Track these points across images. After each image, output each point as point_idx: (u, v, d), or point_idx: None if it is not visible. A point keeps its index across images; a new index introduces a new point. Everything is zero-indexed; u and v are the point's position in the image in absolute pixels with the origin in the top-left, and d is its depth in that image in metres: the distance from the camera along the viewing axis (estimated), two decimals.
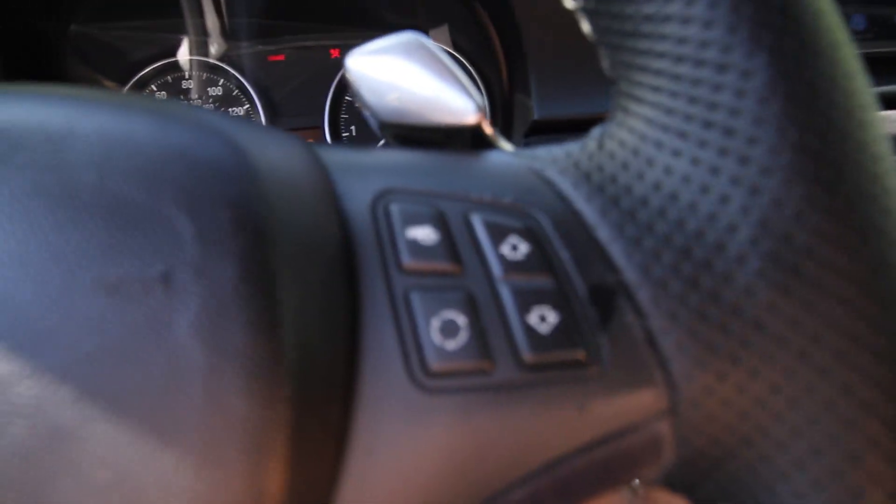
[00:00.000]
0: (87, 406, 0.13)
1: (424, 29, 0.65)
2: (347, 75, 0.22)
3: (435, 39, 0.65)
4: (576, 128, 0.53)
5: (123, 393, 0.13)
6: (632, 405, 0.15)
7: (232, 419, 0.13)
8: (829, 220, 0.14)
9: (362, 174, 0.18)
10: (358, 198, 0.17)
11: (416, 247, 0.16)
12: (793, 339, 0.15)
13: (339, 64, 0.66)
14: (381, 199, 0.17)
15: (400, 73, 0.21)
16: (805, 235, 0.15)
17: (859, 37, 0.58)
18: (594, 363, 0.15)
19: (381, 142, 0.64)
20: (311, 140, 0.66)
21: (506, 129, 0.59)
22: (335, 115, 0.65)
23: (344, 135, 0.65)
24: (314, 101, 0.66)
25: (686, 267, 0.15)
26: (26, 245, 0.13)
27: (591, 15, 0.18)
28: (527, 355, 0.15)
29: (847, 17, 0.58)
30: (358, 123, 0.65)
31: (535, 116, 0.50)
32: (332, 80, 0.65)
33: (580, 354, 0.15)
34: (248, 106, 0.65)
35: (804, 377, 0.15)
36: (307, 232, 0.15)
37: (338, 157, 0.18)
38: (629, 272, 0.16)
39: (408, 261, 0.16)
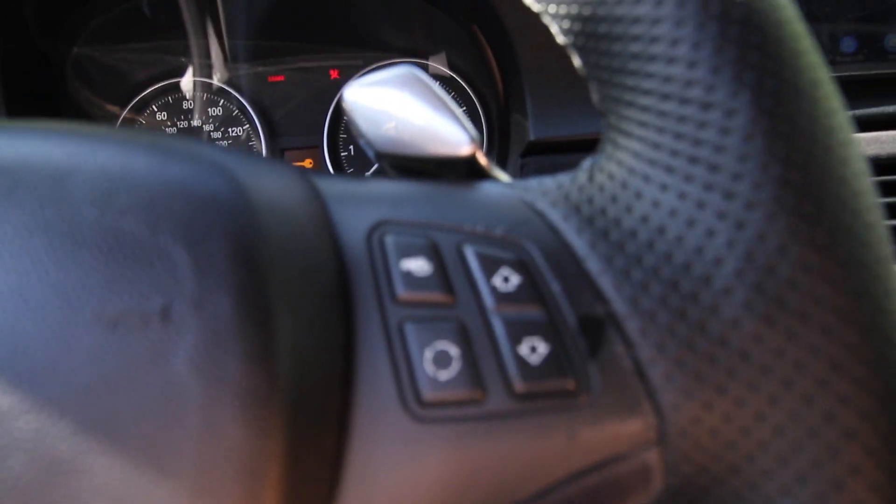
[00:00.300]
0: (85, 438, 0.13)
1: (422, 50, 0.66)
2: (344, 106, 0.22)
3: (435, 65, 0.66)
4: (571, 148, 0.54)
5: (121, 424, 0.13)
6: (621, 434, 0.16)
7: (227, 449, 0.13)
8: (812, 253, 0.15)
9: (358, 205, 0.18)
10: (353, 228, 0.17)
11: (409, 278, 0.16)
12: (777, 368, 0.15)
13: (338, 84, 0.66)
14: (376, 230, 0.17)
15: (396, 105, 0.22)
16: (788, 267, 0.15)
17: (849, 59, 0.59)
18: (584, 392, 0.16)
19: (374, 167, 0.65)
20: (309, 160, 0.67)
21: (502, 150, 0.59)
22: (334, 134, 0.66)
23: (343, 154, 0.66)
24: (313, 121, 0.66)
25: (673, 299, 0.16)
26: (27, 279, 0.14)
27: (581, 51, 0.18)
28: (518, 385, 0.16)
29: (837, 40, 0.59)
30: (356, 143, 0.66)
31: (532, 137, 0.51)
32: (332, 101, 0.66)
33: (570, 384, 0.16)
34: (247, 126, 0.66)
35: (788, 405, 0.15)
36: (303, 263, 0.16)
37: (334, 188, 0.19)
38: (618, 303, 0.16)
39: (402, 292, 0.16)
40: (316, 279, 0.16)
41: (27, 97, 0.56)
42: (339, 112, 0.66)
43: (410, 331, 0.16)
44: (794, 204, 0.15)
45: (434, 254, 0.17)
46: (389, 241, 0.17)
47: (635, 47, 0.16)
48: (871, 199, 0.16)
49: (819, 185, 0.15)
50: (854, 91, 0.54)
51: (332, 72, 0.68)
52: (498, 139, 0.62)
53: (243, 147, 0.66)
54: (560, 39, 0.20)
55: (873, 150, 0.47)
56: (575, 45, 0.19)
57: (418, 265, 0.17)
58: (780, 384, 0.15)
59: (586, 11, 0.17)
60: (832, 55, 0.59)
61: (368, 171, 0.66)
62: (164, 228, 0.14)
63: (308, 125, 0.67)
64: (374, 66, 0.66)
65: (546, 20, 0.20)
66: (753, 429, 0.15)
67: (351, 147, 0.66)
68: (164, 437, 0.13)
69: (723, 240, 0.15)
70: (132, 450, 0.13)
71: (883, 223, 0.16)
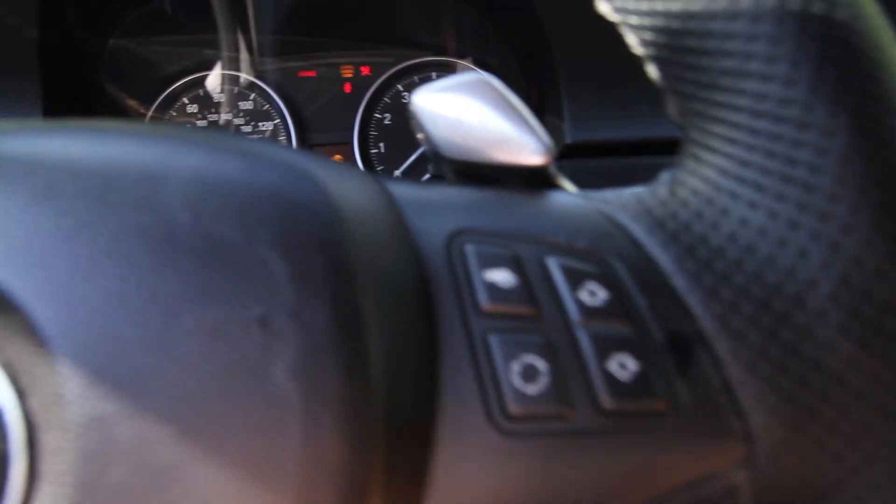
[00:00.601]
0: (187, 446, 0.13)
1: (454, 48, 0.66)
2: (413, 110, 0.22)
3: (464, 63, 0.66)
4: (607, 151, 0.53)
5: (223, 433, 0.13)
6: (709, 455, 0.16)
7: (329, 462, 0.13)
8: None
9: (435, 212, 0.18)
10: (433, 237, 0.17)
11: (493, 289, 0.16)
12: (872, 393, 0.15)
13: (368, 81, 0.66)
14: (455, 239, 0.17)
15: (468, 111, 0.21)
16: (886, 292, 0.15)
17: None
18: (673, 412, 0.16)
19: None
20: (338, 156, 0.67)
21: None
22: (364, 131, 0.66)
23: (372, 151, 0.66)
24: (343, 117, 0.66)
25: (765, 319, 0.15)
26: (125, 284, 0.14)
27: (663, 63, 0.18)
28: (607, 402, 0.15)
29: None
30: (386, 140, 0.66)
31: (568, 140, 0.50)
32: (363, 97, 0.65)
33: (660, 403, 0.16)
34: (277, 121, 0.66)
35: (883, 432, 0.15)
36: (389, 273, 0.16)
37: (409, 194, 0.19)
38: (707, 322, 0.16)
39: (486, 303, 0.16)
40: (402, 289, 0.16)
41: (62, 88, 0.57)
42: (371, 109, 0.66)
43: (496, 343, 0.16)
44: (892, 228, 0.15)
45: (517, 265, 0.17)
46: (470, 250, 0.17)
47: (728, 63, 0.16)
48: None
49: None
50: None
51: (363, 68, 0.68)
52: None
53: (272, 141, 0.66)
54: (638, 50, 0.19)
55: None
56: (656, 58, 0.18)
57: (502, 276, 0.17)
58: (874, 410, 0.15)
59: (675, 25, 0.17)
60: None
61: (399, 169, 0.66)
62: (259, 236, 0.14)
63: (338, 121, 0.67)
64: (406, 63, 0.66)
65: (623, 31, 0.20)
66: (846, 455, 0.15)
67: (381, 145, 0.66)
68: (266, 448, 0.13)
69: (817, 261, 0.15)
70: (234, 459, 0.13)
71: None
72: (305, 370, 0.13)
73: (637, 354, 0.16)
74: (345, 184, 0.17)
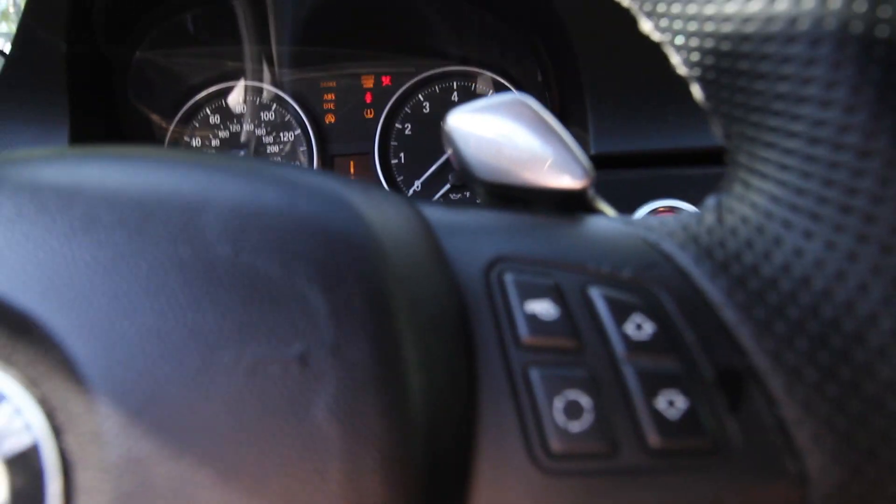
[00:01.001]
0: (225, 488, 0.13)
1: (476, 59, 0.66)
2: (446, 130, 0.22)
3: (487, 73, 0.65)
4: (632, 163, 0.52)
5: (263, 474, 0.13)
6: (763, 497, 0.15)
7: (370, 503, 0.13)
8: None
9: (472, 238, 0.18)
10: (470, 265, 0.17)
11: (534, 321, 0.16)
12: None
13: (389, 91, 0.66)
14: (494, 267, 0.17)
15: (505, 133, 0.21)
16: None
17: None
18: (724, 451, 0.15)
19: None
20: (356, 166, 0.67)
21: None
22: (385, 142, 0.66)
23: (393, 162, 0.66)
24: (364, 127, 0.66)
25: (822, 356, 0.15)
26: (164, 320, 0.13)
27: (710, 85, 0.18)
28: (654, 440, 0.15)
29: None
30: (406, 151, 0.66)
31: (593, 151, 0.50)
32: (384, 107, 0.65)
33: (710, 442, 0.15)
34: (299, 131, 0.66)
35: None
36: (429, 305, 0.15)
37: (446, 220, 0.18)
38: (759, 357, 0.15)
39: (526, 336, 0.16)
40: (441, 322, 0.15)
41: (89, 101, 0.57)
42: (391, 120, 0.66)
43: (537, 378, 0.15)
44: None
45: (559, 296, 0.16)
46: (510, 279, 0.17)
47: (783, 87, 0.15)
48: None
49: None
50: None
51: (384, 78, 0.68)
52: None
53: (293, 152, 0.67)
54: (682, 71, 0.19)
55: None
56: (702, 79, 0.18)
57: (543, 308, 0.16)
58: None
59: (726, 47, 0.16)
60: None
61: (419, 179, 0.65)
62: (298, 269, 0.14)
63: (359, 131, 0.67)
64: (426, 73, 0.66)
65: (667, 50, 0.19)
66: None
67: (402, 154, 0.66)
68: (306, 491, 0.13)
69: (878, 296, 0.14)
70: (275, 500, 0.12)
71: None
72: (345, 410, 0.13)
73: (686, 391, 0.15)
74: (383, 211, 0.16)
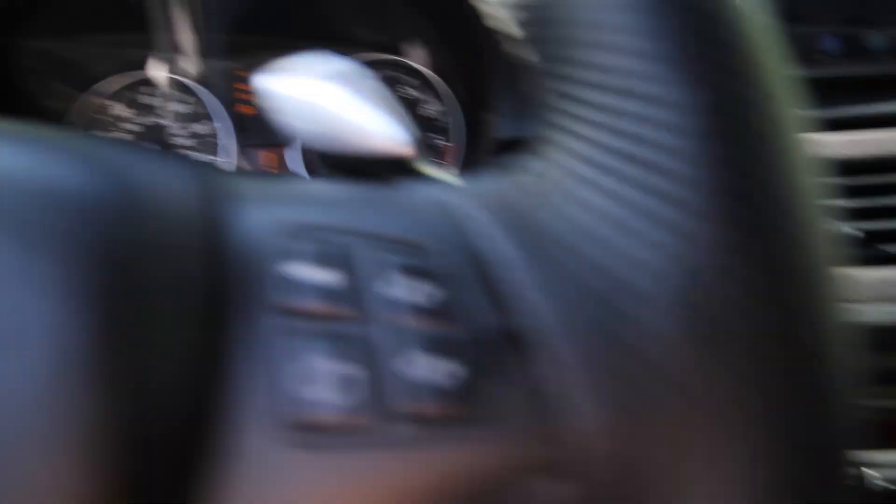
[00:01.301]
0: None
1: (395, 45, 0.64)
2: (260, 97, 0.20)
3: (412, 57, 0.64)
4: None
5: None
6: (538, 460, 0.14)
7: (65, 487, 0.11)
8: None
9: (266, 207, 0.16)
10: (255, 232, 0.16)
11: (313, 289, 0.15)
12: (708, 401, 0.13)
13: None
14: (281, 235, 0.16)
15: (327, 97, 0.20)
16: (729, 288, 0.13)
17: (831, 58, 0.57)
18: (501, 416, 0.14)
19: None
20: (274, 157, 0.65)
21: (474, 148, 0.58)
22: None
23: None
24: None
25: (607, 318, 0.14)
26: None
27: (537, 43, 0.17)
28: (429, 409, 0.14)
29: (819, 39, 0.58)
30: None
31: (497, 135, 0.49)
32: None
33: (486, 408, 0.14)
34: (215, 123, 0.64)
35: (715, 443, 0.13)
36: (174, 277, 0.14)
37: (244, 189, 0.17)
38: (545, 319, 0.14)
39: (302, 303, 0.15)
40: (187, 295, 0.14)
41: None
42: None
43: (301, 347, 0.14)
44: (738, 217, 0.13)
45: (344, 263, 0.15)
46: (294, 246, 0.15)
47: (579, 34, 0.15)
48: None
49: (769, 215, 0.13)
50: (836, 91, 0.52)
51: None
52: (471, 137, 0.61)
53: (208, 144, 0.64)
54: (515, 33, 0.18)
55: (849, 152, 0.46)
56: (530, 38, 0.17)
57: (326, 275, 0.15)
58: (709, 418, 0.13)
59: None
60: (813, 54, 0.57)
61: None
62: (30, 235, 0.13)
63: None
64: None
65: (507, 14, 0.18)
66: (673, 465, 0.13)
67: None
68: None
69: (667, 253, 0.14)
70: None
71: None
72: (51, 390, 0.12)
73: (465, 358, 0.14)
74: (150, 176, 0.15)
